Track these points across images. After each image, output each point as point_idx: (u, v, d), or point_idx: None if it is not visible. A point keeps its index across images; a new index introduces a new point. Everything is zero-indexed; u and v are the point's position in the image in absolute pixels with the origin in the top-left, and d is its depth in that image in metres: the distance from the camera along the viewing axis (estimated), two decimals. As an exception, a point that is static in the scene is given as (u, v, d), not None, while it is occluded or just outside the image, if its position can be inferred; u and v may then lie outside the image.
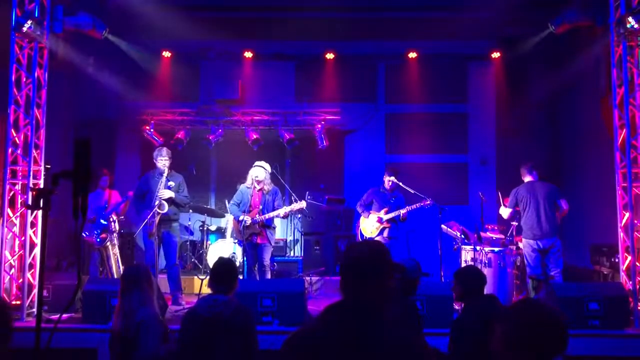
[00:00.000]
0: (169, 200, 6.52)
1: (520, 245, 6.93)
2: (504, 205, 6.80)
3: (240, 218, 6.49)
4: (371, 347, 1.74)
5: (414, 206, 6.85)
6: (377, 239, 6.87)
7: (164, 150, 6.74)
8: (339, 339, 1.76)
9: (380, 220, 6.94)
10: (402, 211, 6.85)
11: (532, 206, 6.42)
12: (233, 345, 3.32)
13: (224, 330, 3.32)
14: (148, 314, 3.52)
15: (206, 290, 5.98)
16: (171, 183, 6.65)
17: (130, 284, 3.61)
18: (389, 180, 7.00)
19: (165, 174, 6.57)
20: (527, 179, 6.61)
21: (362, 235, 7.18)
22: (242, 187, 6.75)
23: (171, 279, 6.63)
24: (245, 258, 6.69)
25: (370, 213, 7.04)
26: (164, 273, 7.26)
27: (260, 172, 6.58)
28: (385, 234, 6.96)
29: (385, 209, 6.93)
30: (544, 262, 6.43)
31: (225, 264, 3.67)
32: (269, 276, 6.58)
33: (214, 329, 3.33)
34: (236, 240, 7.85)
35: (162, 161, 6.62)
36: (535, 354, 1.90)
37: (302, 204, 6.58)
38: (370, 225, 7.03)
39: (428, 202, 6.79)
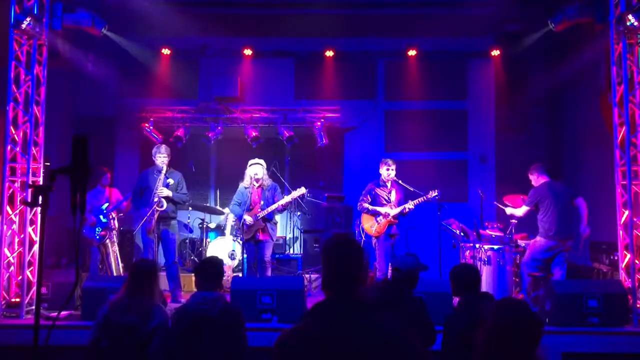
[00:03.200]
0: (167, 198, 6.52)
1: (520, 242, 6.92)
2: (523, 204, 6.59)
3: (243, 218, 6.49)
4: (365, 342, 1.74)
5: (420, 199, 6.66)
6: (381, 237, 6.72)
7: (163, 148, 6.74)
8: (333, 336, 1.76)
9: (386, 216, 6.68)
10: (410, 205, 6.63)
11: (555, 207, 6.26)
12: (220, 343, 3.34)
13: (211, 327, 3.34)
14: (165, 314, 3.58)
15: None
16: (170, 180, 6.65)
17: (143, 278, 3.62)
18: (387, 169, 6.74)
19: (163, 172, 6.57)
20: (542, 179, 6.47)
21: (367, 235, 6.85)
22: (240, 186, 6.76)
23: (170, 276, 6.64)
24: (245, 255, 6.70)
25: (375, 209, 6.74)
26: (163, 271, 7.26)
27: (258, 169, 6.59)
28: (393, 230, 6.75)
29: (390, 205, 6.74)
30: (551, 262, 6.39)
31: (211, 262, 3.71)
32: (269, 272, 6.59)
33: (201, 326, 3.35)
34: (236, 238, 7.85)
35: (161, 158, 6.62)
36: (511, 351, 1.96)
37: (302, 190, 6.54)
38: (375, 223, 6.74)
39: (435, 193, 6.62)
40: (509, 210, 6.76)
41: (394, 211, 6.68)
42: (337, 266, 1.91)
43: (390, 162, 6.85)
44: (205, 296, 3.43)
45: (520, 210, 6.58)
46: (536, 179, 6.52)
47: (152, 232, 6.48)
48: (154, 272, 3.71)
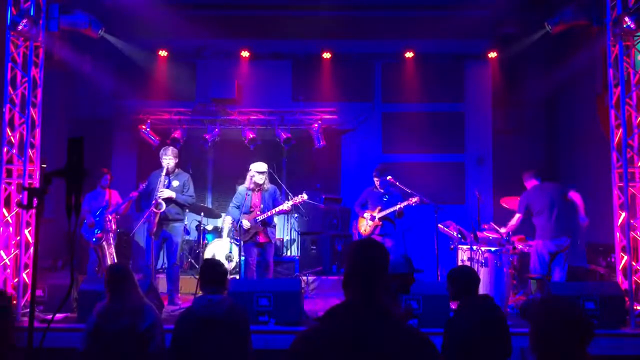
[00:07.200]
0: (169, 200, 6.49)
1: (518, 245, 6.92)
2: (516, 211, 6.63)
3: (241, 221, 6.47)
4: (383, 346, 1.73)
5: (400, 205, 6.82)
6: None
7: (169, 150, 6.73)
8: (351, 339, 1.75)
9: (372, 218, 6.99)
10: (391, 210, 6.87)
11: (546, 207, 6.35)
12: (226, 345, 3.34)
13: (217, 329, 3.34)
14: (156, 312, 3.59)
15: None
16: (175, 182, 6.63)
17: (120, 283, 3.61)
18: (376, 180, 7.09)
19: (164, 173, 6.55)
20: (531, 184, 6.56)
21: (359, 234, 7.22)
22: (240, 188, 6.71)
23: (170, 278, 6.62)
24: (242, 257, 6.68)
25: (365, 212, 7.11)
26: (162, 272, 7.24)
27: (262, 175, 6.54)
28: (377, 231, 7.02)
29: (379, 208, 6.98)
30: (550, 263, 6.41)
31: (213, 264, 3.71)
32: (271, 274, 6.59)
33: (207, 329, 3.35)
34: (233, 240, 7.83)
35: (166, 160, 6.61)
36: (561, 348, 2.01)
37: (304, 196, 6.53)
38: (364, 224, 7.11)
39: (414, 199, 6.80)
40: (512, 223, 6.66)
41: (378, 215, 6.96)
42: (359, 267, 1.91)
43: (379, 173, 7.08)
44: (210, 298, 3.44)
45: (514, 219, 6.61)
46: (527, 185, 6.63)
47: (154, 233, 6.46)
48: (129, 275, 3.69)
